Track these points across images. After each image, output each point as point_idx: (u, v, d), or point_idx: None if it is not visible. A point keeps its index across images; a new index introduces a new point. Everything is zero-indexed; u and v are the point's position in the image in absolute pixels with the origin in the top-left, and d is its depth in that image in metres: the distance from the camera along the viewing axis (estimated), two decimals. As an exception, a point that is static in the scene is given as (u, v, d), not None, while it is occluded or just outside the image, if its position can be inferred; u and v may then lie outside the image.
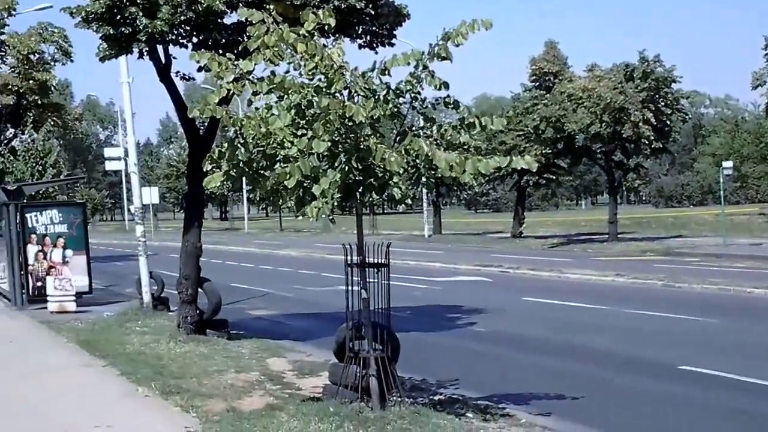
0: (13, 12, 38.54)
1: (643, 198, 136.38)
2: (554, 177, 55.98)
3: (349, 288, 10.95)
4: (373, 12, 15.97)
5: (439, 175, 9.96)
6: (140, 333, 18.56)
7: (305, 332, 19.74)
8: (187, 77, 18.25)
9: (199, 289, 18.44)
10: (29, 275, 24.82)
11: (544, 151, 46.35)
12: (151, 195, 56.59)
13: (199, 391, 12.74)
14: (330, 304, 22.89)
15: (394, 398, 11.04)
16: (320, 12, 10.05)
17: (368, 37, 16.63)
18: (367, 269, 10.89)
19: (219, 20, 15.83)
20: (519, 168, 9.94)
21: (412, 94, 10.17)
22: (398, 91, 10.05)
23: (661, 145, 46.55)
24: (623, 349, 17.11)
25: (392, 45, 16.86)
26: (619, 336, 18.68)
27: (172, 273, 24.07)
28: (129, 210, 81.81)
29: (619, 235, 47.62)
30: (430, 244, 53.30)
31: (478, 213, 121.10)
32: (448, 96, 10.22)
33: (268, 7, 10.76)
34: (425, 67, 9.97)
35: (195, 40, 16.13)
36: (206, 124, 18.36)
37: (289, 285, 30.44)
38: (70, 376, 14.60)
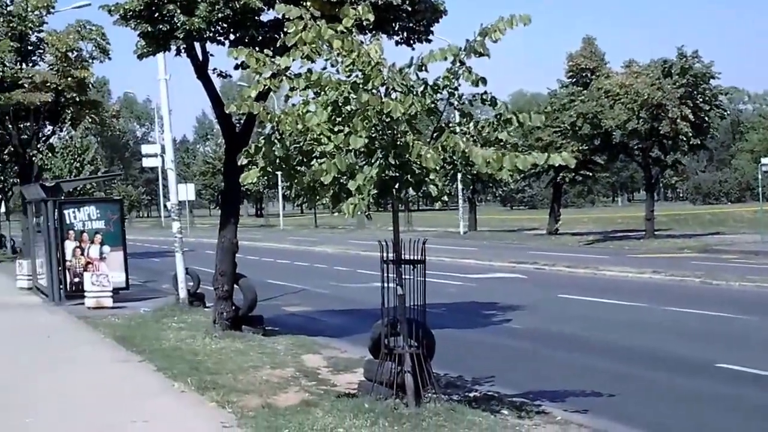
0: (51, 10, 38.88)
1: (681, 195, 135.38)
2: (591, 174, 55.65)
3: (385, 285, 10.93)
4: (410, 8, 15.93)
5: (476, 172, 9.92)
6: (176, 329, 18.66)
7: (340, 329, 19.75)
8: (223, 74, 18.31)
9: (235, 286, 18.50)
10: (67, 271, 25.01)
11: (580, 148, 46.03)
12: (187, 192, 56.80)
13: (235, 386, 12.78)
14: (365, 301, 22.89)
15: (429, 395, 11.02)
16: (359, 8, 10.04)
17: (405, 34, 16.60)
18: (402, 266, 10.88)
19: (256, 17, 15.88)
20: (556, 164, 9.83)
21: (449, 90, 10.14)
22: (435, 87, 10.03)
23: (698, 142, 46.18)
24: (660, 346, 16.98)
25: (429, 41, 16.84)
26: (655, 333, 18.54)
27: (207, 269, 24.18)
28: (165, 206, 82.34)
29: (655, 232, 47.29)
30: (466, 240, 53.13)
31: (513, 210, 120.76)
32: (485, 92, 10.17)
33: (305, 3, 10.73)
34: (462, 63, 9.93)
35: (232, 37, 16.21)
36: (243, 121, 18.42)
37: (325, 282, 30.50)
38: (106, 371, 14.70)
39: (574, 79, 51.43)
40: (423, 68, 9.99)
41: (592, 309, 22.43)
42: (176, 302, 22.53)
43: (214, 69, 18.02)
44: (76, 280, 24.73)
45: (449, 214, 72.41)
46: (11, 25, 37.87)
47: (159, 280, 30.61)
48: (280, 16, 14.20)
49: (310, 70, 9.81)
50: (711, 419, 11.82)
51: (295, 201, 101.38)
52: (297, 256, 45.06)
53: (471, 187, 59.69)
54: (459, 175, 10.37)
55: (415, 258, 10.95)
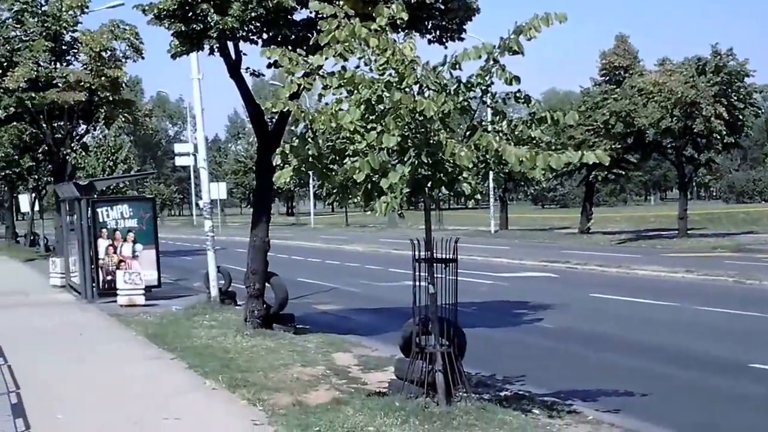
0: (85, 10, 39.12)
1: (714, 193, 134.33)
2: (623, 172, 55.30)
3: (417, 283, 10.92)
4: (443, 7, 15.91)
5: (509, 170, 9.88)
6: (208, 327, 18.73)
7: (371, 327, 19.76)
8: (256, 73, 18.35)
9: (267, 284, 18.55)
10: (99, 269, 25.19)
11: (613, 146, 45.72)
12: (219, 190, 57.11)
13: (266, 384, 12.82)
14: (396, 300, 22.87)
15: (460, 394, 11.01)
16: (393, 6, 10.03)
17: (438, 32, 16.58)
18: (435, 264, 10.86)
19: (289, 16, 15.91)
20: (590, 162, 9.76)
21: (483, 88, 10.11)
22: (469, 85, 10.00)
23: (733, 140, 45.82)
24: (692, 346, 16.87)
25: (462, 40, 16.80)
26: (688, 333, 18.42)
27: (239, 267, 24.26)
28: (197, 205, 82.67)
29: (689, 231, 46.95)
30: (497, 239, 53.01)
31: (544, 208, 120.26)
32: (519, 90, 10.13)
33: (338, 2, 10.75)
34: (496, 61, 9.90)
35: (265, 36, 16.26)
36: (275, 119, 18.46)
37: (356, 280, 30.52)
38: (138, 368, 14.78)
39: (607, 77, 51.15)
40: (457, 66, 9.98)
41: (625, 308, 22.30)
42: (208, 300, 22.61)
43: (247, 68, 18.08)
44: (109, 278, 24.90)
45: (480, 212, 72.21)
46: (46, 24, 38.14)
47: (190, 278, 30.76)
48: (313, 15, 14.28)
49: (344, 68, 9.81)
50: (744, 420, 11.73)
51: (327, 199, 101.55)
52: (328, 254, 45.11)
53: (503, 186, 59.51)
54: (491, 174, 10.32)
55: (447, 257, 10.94)
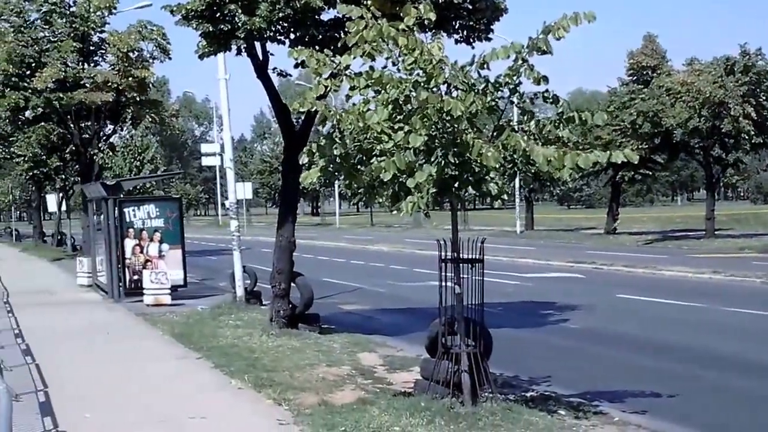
0: (113, 10, 39.33)
1: (741, 194, 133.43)
2: (650, 172, 55.05)
3: (443, 283, 10.90)
4: (470, 7, 15.88)
5: (536, 171, 9.85)
6: (233, 326, 18.78)
7: (396, 327, 19.75)
8: (283, 73, 18.38)
9: (292, 284, 18.58)
10: (126, 269, 25.31)
11: (640, 146, 45.48)
12: (245, 190, 57.23)
13: (292, 384, 12.84)
14: (421, 300, 22.87)
15: (486, 394, 11.00)
16: (420, 6, 10.03)
17: (465, 32, 16.54)
18: (461, 265, 10.84)
19: (316, 16, 15.93)
20: (619, 162, 9.72)
21: (511, 87, 10.08)
22: (497, 85, 9.99)
23: (761, 140, 45.45)
24: (720, 347, 16.75)
25: (489, 40, 16.77)
26: (715, 334, 18.31)
27: (264, 267, 24.32)
28: (223, 205, 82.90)
29: (716, 232, 46.66)
30: (522, 239, 52.89)
31: (570, 209, 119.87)
32: (547, 90, 10.11)
33: (365, 2, 10.76)
34: (525, 61, 9.88)
35: (292, 36, 16.27)
36: (302, 119, 18.49)
37: (381, 280, 30.53)
38: (165, 367, 14.85)
39: (635, 77, 50.92)
40: (485, 66, 9.97)
41: (651, 309, 22.18)
42: (233, 300, 22.67)
43: (274, 68, 18.13)
44: (135, 277, 25.02)
45: (505, 213, 72.02)
46: (74, 25, 38.37)
47: (216, 278, 30.87)
48: (340, 15, 14.28)
49: (372, 68, 9.82)
50: (772, 422, 11.65)
51: (352, 200, 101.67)
52: (353, 254, 45.15)
53: (530, 186, 59.33)
54: (519, 174, 10.29)
55: (474, 257, 10.92)
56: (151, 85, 42.23)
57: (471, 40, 16.61)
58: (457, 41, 16.53)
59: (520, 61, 9.89)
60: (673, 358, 15.77)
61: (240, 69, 20.19)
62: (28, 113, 40.74)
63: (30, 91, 37.34)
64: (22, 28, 38.42)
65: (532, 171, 10.12)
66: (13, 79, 37.64)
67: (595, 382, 13.69)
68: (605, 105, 47.69)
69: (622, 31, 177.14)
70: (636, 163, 10.25)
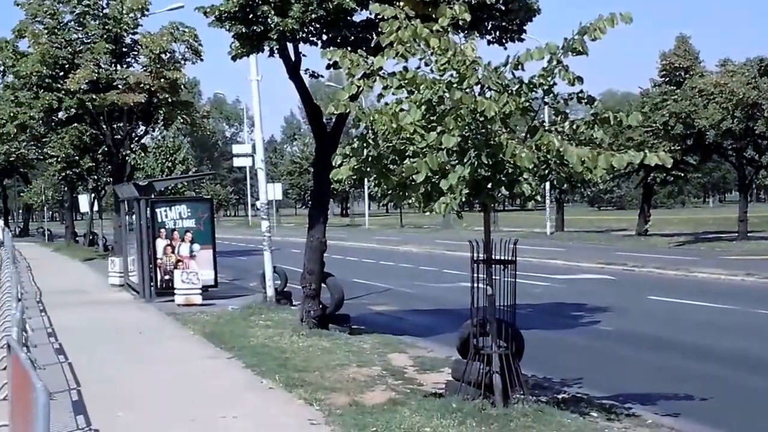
0: (146, 12, 39.56)
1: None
2: (682, 174, 54.60)
3: (475, 284, 10.88)
4: (503, 8, 15.84)
5: (570, 171, 9.80)
6: (264, 326, 18.82)
7: (426, 328, 19.73)
8: (315, 75, 18.41)
9: (323, 284, 18.59)
10: (158, 269, 25.42)
11: (672, 148, 45.12)
12: (275, 191, 57.35)
13: (322, 384, 12.86)
14: (451, 301, 22.84)
15: (517, 396, 10.95)
16: (455, 7, 10.02)
17: (497, 33, 16.51)
18: (493, 266, 10.82)
19: (348, 17, 15.96)
20: (652, 164, 9.66)
21: (545, 88, 10.05)
22: (531, 86, 9.97)
23: (795, 142, 45.06)
24: (754, 350, 16.61)
25: (522, 41, 16.73)
26: (749, 337, 18.14)
27: (294, 268, 24.38)
28: (253, 206, 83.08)
29: (748, 234, 46.24)
30: (552, 241, 52.63)
31: (601, 210, 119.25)
32: (582, 91, 10.06)
33: (398, 3, 10.77)
34: (559, 62, 9.86)
35: (324, 37, 16.30)
36: (333, 120, 18.51)
37: (410, 281, 30.50)
38: (196, 367, 14.91)
39: (667, 78, 50.53)
40: (519, 67, 9.95)
41: (683, 311, 22.04)
42: (264, 300, 22.72)
43: (306, 69, 18.16)
44: (167, 277, 25.12)
45: (535, 214, 71.85)
46: (107, 27, 38.66)
47: (246, 278, 30.95)
48: (372, 16, 14.30)
49: (405, 68, 9.83)
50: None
51: (381, 201, 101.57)
52: (382, 255, 45.14)
53: (562, 187, 58.98)
54: (551, 175, 10.23)
55: (506, 258, 10.89)
56: (182, 87, 42.46)
57: (503, 41, 16.57)
58: (489, 42, 16.50)
59: (554, 62, 9.87)
60: (706, 361, 15.67)
61: (270, 70, 20.24)
62: (61, 114, 41.11)
63: (63, 92, 37.67)
64: (56, 30, 38.77)
65: (566, 172, 10.05)
66: (46, 80, 38.00)
67: (627, 384, 13.61)
68: (637, 106, 47.32)
69: (654, 32, 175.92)
70: (669, 166, 10.18)
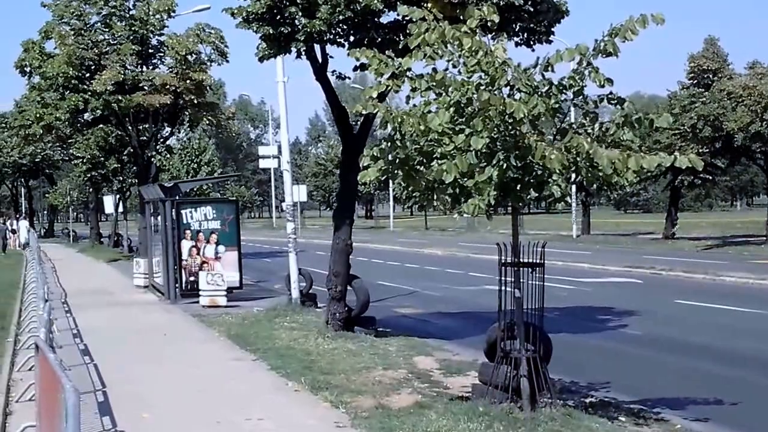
0: (172, 14, 39.68)
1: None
2: (710, 177, 54.22)
3: (502, 287, 10.79)
4: (532, 9, 15.74)
5: (600, 174, 9.69)
6: (289, 328, 18.80)
7: (452, 331, 19.65)
8: (342, 76, 18.36)
9: (348, 286, 18.53)
10: (183, 270, 25.42)
11: (700, 150, 44.77)
12: (299, 193, 57.49)
13: (348, 387, 12.80)
14: (477, 304, 22.76)
15: (545, 399, 10.87)
16: (484, 8, 9.96)
17: (525, 35, 16.41)
18: (521, 269, 10.73)
19: (376, 19, 15.91)
20: (683, 167, 9.55)
21: (575, 90, 9.97)
22: (561, 87, 9.90)
23: (824, 145, 44.61)
24: (784, 355, 16.45)
25: (549, 42, 16.62)
26: (778, 342, 17.97)
27: (318, 270, 24.34)
28: (280, 207, 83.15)
29: (777, 237, 45.84)
30: (578, 244, 52.37)
31: (627, 213, 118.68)
32: (611, 92, 9.98)
33: (426, 5, 10.71)
34: (589, 63, 9.80)
35: (351, 38, 16.25)
36: (359, 122, 18.46)
37: (436, 284, 30.40)
38: (221, 369, 14.87)
39: (696, 81, 50.18)
40: (549, 68, 9.87)
41: (711, 315, 21.86)
42: (289, 302, 22.68)
43: (333, 71, 18.13)
44: (192, 279, 25.13)
45: (560, 217, 71.61)
46: (133, 28, 38.81)
47: (271, 280, 30.95)
48: (399, 18, 14.25)
49: (434, 70, 9.78)
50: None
51: (406, 203, 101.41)
52: (407, 257, 45.07)
53: (591, 189, 58.69)
54: (580, 177, 10.13)
55: (534, 261, 10.80)
56: (208, 88, 42.55)
57: (531, 43, 16.47)
58: (517, 44, 16.40)
59: (585, 64, 9.80)
60: (735, 365, 15.53)
61: (295, 72, 20.23)
62: (87, 115, 41.36)
63: (89, 93, 37.84)
64: (83, 31, 38.98)
65: (596, 175, 9.93)
66: (72, 81, 38.19)
67: (655, 389, 13.52)
68: (665, 109, 47.00)
69: (682, 34, 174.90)
70: (700, 168, 10.07)
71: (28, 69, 40.93)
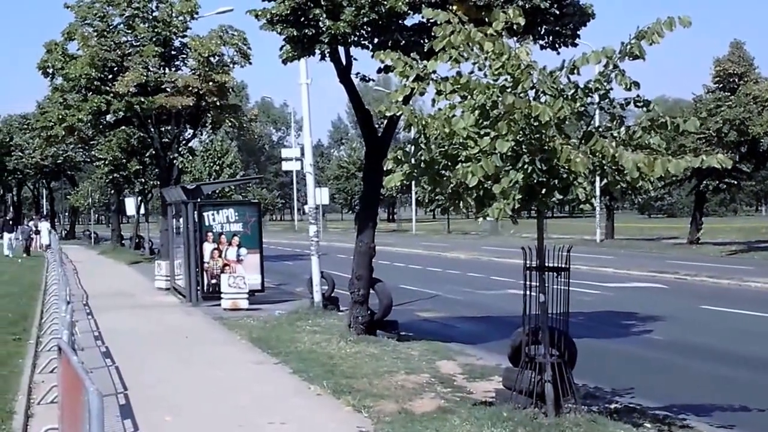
0: (195, 15, 39.75)
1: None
2: (735, 181, 53.80)
3: (527, 292, 10.69)
4: (558, 12, 15.64)
5: (625, 177, 9.58)
6: (311, 332, 18.74)
7: (475, 335, 19.53)
8: (366, 78, 18.31)
9: (371, 290, 18.45)
10: (204, 272, 25.40)
11: (726, 155, 44.46)
12: (321, 196, 57.51)
13: (371, 391, 12.74)
14: (500, 308, 22.65)
15: (569, 405, 10.76)
16: (509, 11, 9.89)
17: (551, 38, 16.31)
18: (546, 273, 10.62)
19: (400, 21, 15.84)
20: (712, 166, 9.41)
21: (601, 93, 9.87)
22: (587, 90, 9.81)
23: None
24: (811, 362, 16.25)
25: (575, 45, 16.50)
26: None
27: (340, 273, 24.26)
28: (302, 210, 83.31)
29: (803, 243, 45.50)
30: (602, 248, 52.11)
31: (651, 218, 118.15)
32: (638, 96, 9.88)
33: (451, 8, 10.64)
34: (616, 66, 9.72)
35: (376, 41, 16.18)
36: (383, 125, 18.38)
37: (458, 288, 30.28)
38: (243, 372, 14.83)
39: (721, 85, 49.83)
40: (575, 71, 9.78)
41: (737, 321, 21.68)
42: (310, 305, 22.63)
43: (357, 73, 18.04)
44: (213, 281, 25.10)
45: (583, 221, 71.24)
46: (156, 30, 38.91)
47: (292, 283, 30.92)
48: (424, 20, 14.17)
49: (459, 73, 9.72)
50: None
51: (428, 206, 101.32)
52: (429, 261, 44.93)
53: (617, 191, 58.44)
54: (606, 181, 10.02)
55: (559, 266, 10.70)
56: (230, 90, 42.58)
57: (557, 46, 16.37)
58: (542, 47, 16.32)
59: (611, 67, 9.71)
60: (761, 372, 15.40)
61: (318, 74, 20.18)
62: (109, 117, 41.44)
63: (112, 95, 37.96)
64: (105, 33, 39.11)
65: (621, 178, 9.82)
66: (95, 83, 38.32)
67: (681, 395, 13.37)
68: (690, 112, 46.72)
69: (707, 37, 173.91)
70: (729, 168, 9.95)
71: (50, 70, 41.08)
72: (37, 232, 59.60)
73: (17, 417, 11.05)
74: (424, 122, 9.76)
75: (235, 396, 12.79)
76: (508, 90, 9.46)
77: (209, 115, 42.00)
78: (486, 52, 9.59)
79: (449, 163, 9.97)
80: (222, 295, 23.75)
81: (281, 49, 16.71)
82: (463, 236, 74.48)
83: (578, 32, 16.42)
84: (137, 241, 59.70)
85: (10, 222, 50.50)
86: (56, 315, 17.27)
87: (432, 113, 9.94)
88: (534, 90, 9.73)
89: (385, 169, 10.39)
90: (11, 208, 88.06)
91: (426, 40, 10.27)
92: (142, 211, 62.33)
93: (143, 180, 57.32)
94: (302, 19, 15.86)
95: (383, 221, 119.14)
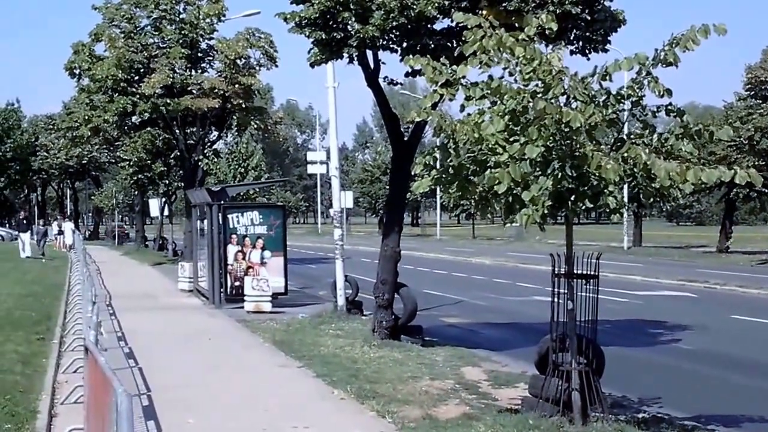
0: (222, 18, 39.78)
1: None
2: (766, 190, 53.33)
3: (555, 299, 10.55)
4: (589, 18, 15.49)
5: (658, 186, 9.43)
6: (334, 336, 18.66)
7: (500, 342, 19.39)
8: (394, 82, 18.19)
9: (396, 294, 18.33)
10: (228, 275, 25.35)
11: (757, 163, 44.04)
12: (346, 199, 57.48)
13: (395, 396, 12.64)
14: (525, 315, 22.48)
15: (596, 414, 10.64)
16: (542, 16, 9.82)
17: (581, 43, 16.16)
18: (574, 280, 10.48)
19: (429, 25, 15.74)
20: (743, 182, 9.25)
21: (633, 100, 9.75)
22: (619, 97, 9.72)
23: None
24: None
25: (606, 51, 16.36)
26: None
27: (364, 277, 24.15)
28: (328, 213, 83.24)
29: (836, 252, 45.01)
30: (630, 256, 51.77)
31: (679, 225, 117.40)
32: (671, 103, 9.76)
33: (481, 13, 10.53)
34: (649, 73, 9.63)
35: (404, 45, 16.09)
36: (411, 129, 18.27)
37: (483, 293, 30.12)
38: (267, 375, 14.77)
39: (753, 92, 49.42)
40: (607, 77, 9.68)
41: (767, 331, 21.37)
42: (334, 309, 22.54)
43: (385, 77, 17.95)
44: (237, 283, 25.05)
45: (609, 228, 70.89)
46: (183, 32, 38.98)
47: (316, 287, 30.85)
48: (453, 24, 14.06)
49: (491, 77, 9.64)
50: None
51: (453, 211, 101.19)
52: (454, 266, 44.77)
53: (649, 200, 58.18)
54: (638, 189, 9.89)
55: (588, 273, 10.56)
56: (256, 93, 42.59)
57: (587, 52, 16.21)
58: (572, 52, 16.13)
59: (644, 73, 9.61)
60: (793, 384, 15.13)
61: (344, 77, 20.07)
62: (135, 118, 41.53)
63: (138, 96, 38.03)
64: (133, 34, 39.23)
65: (652, 186, 9.68)
66: (121, 84, 38.39)
67: (709, 405, 13.22)
68: (720, 120, 46.34)
69: (740, 44, 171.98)
70: (759, 185, 9.75)
71: (77, 71, 41.20)
72: (61, 232, 59.90)
73: (41, 416, 11.03)
74: (453, 127, 9.68)
75: (259, 399, 12.72)
76: (539, 95, 9.35)
77: (234, 117, 41.99)
78: (517, 57, 9.51)
79: (478, 169, 9.87)
80: (245, 298, 23.66)
81: (309, 52, 16.65)
82: (488, 241, 74.32)
83: (609, 38, 16.25)
84: (161, 242, 59.86)
85: (24, 222, 50.41)
86: (80, 315, 17.26)
87: (461, 118, 9.84)
88: (565, 96, 9.62)
89: (413, 173, 10.31)
90: (27, 207, 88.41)
91: (454, 45, 10.18)
92: (166, 212, 62.48)
93: (167, 181, 57.47)
94: (331, 22, 15.81)
95: (407, 225, 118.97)
